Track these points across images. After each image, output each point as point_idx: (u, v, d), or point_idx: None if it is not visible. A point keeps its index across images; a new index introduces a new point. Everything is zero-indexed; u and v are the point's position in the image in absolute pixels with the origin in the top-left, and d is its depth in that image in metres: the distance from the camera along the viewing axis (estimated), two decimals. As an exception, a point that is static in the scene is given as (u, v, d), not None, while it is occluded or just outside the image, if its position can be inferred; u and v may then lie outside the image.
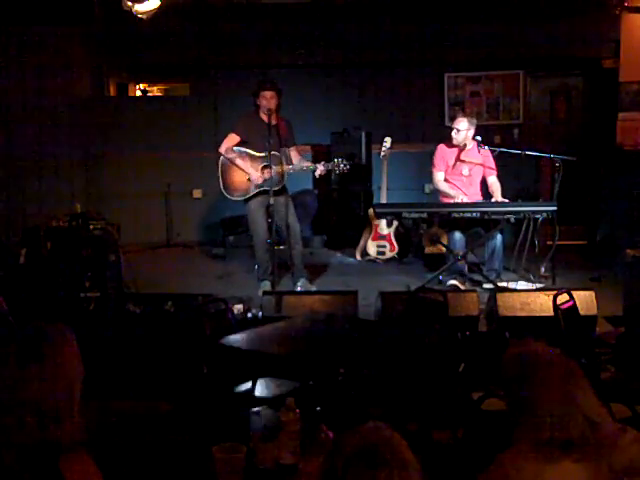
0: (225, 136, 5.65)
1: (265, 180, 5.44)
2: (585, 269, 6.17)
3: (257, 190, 5.47)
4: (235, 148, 5.57)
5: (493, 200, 5.67)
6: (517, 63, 8.02)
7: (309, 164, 5.64)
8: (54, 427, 1.66)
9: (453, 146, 5.83)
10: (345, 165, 5.50)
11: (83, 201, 5.81)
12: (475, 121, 5.88)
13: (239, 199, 5.60)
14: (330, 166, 5.51)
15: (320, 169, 5.48)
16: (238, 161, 5.53)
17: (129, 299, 4.58)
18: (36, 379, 1.69)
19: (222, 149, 5.57)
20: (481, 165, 5.77)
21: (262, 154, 5.43)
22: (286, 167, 5.46)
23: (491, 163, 5.80)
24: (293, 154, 5.59)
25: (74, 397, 1.75)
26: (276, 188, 5.41)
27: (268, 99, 5.40)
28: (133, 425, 2.77)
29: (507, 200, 5.66)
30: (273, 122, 5.41)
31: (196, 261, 7.24)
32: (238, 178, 5.56)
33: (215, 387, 3.29)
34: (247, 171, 5.50)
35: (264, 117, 5.38)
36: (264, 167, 5.45)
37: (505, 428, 1.77)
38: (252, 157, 5.50)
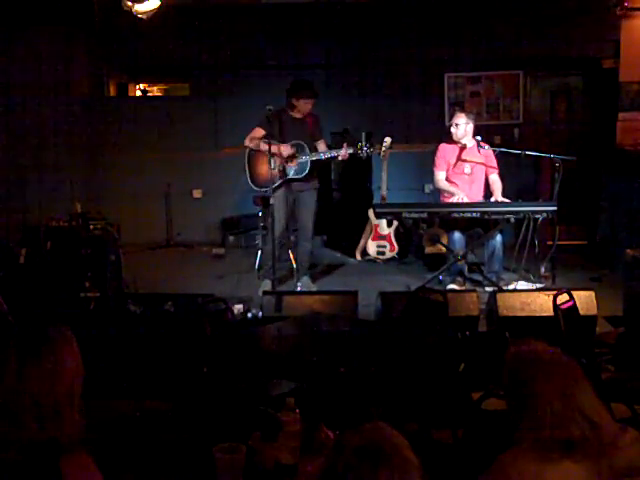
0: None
1: (293, 163, 5.47)
2: (585, 269, 6.18)
3: (281, 180, 5.48)
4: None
5: (493, 199, 5.67)
6: (517, 63, 8.01)
7: (330, 152, 5.58)
8: (54, 427, 1.66)
9: (454, 145, 5.83)
10: (368, 147, 5.51)
11: (83, 201, 5.80)
12: (473, 116, 5.89)
13: (266, 189, 5.51)
14: (353, 150, 5.50)
15: (342, 153, 5.47)
16: (263, 146, 5.46)
17: (129, 299, 4.57)
18: (36, 379, 1.69)
19: (246, 141, 5.62)
20: (482, 164, 5.77)
21: (287, 143, 5.49)
22: (304, 156, 5.49)
23: (493, 161, 5.79)
24: (321, 147, 5.66)
25: (74, 397, 1.75)
26: (300, 176, 5.50)
27: (307, 105, 5.55)
28: (133, 425, 2.77)
29: (507, 199, 5.65)
30: (299, 116, 5.58)
31: (196, 261, 7.24)
32: (265, 169, 5.51)
33: (215, 387, 3.29)
34: (276, 150, 5.44)
35: (295, 114, 5.55)
36: (289, 157, 5.48)
37: (505, 428, 1.77)
38: (275, 145, 5.49)
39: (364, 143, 5.52)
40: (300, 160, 5.49)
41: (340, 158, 5.54)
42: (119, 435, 2.56)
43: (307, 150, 5.51)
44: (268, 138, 5.47)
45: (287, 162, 5.49)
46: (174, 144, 8.01)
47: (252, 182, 5.66)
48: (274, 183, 5.50)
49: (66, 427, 1.68)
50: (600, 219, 6.88)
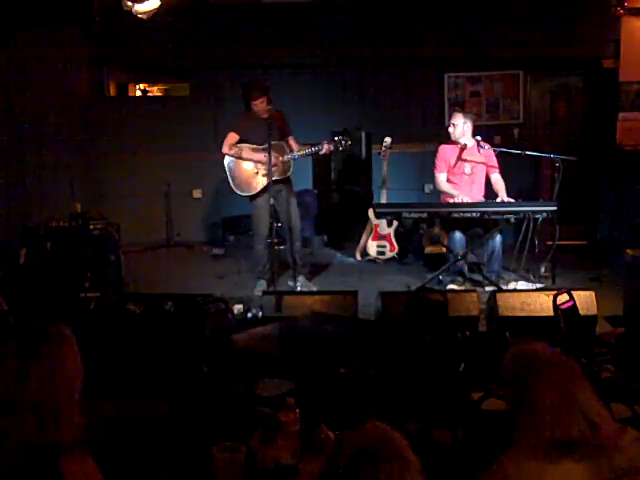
0: (224, 136, 5.65)
1: (273, 166, 5.43)
2: (585, 269, 6.17)
3: (266, 183, 5.43)
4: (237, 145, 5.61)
5: (499, 199, 5.66)
6: (517, 63, 8.01)
7: (313, 147, 5.56)
8: (54, 427, 1.66)
9: (454, 145, 5.83)
10: (347, 141, 5.54)
11: (83, 201, 5.80)
12: (471, 116, 5.89)
13: (251, 194, 5.57)
14: (334, 145, 5.52)
15: (325, 147, 5.49)
16: (244, 154, 5.55)
17: (129, 299, 4.57)
18: (35, 378, 1.69)
19: (225, 149, 5.59)
20: (483, 164, 5.77)
21: (264, 146, 5.43)
22: (291, 154, 5.50)
23: (493, 161, 5.79)
24: (292, 143, 5.62)
25: (74, 396, 1.75)
26: (283, 176, 5.49)
27: (260, 105, 5.43)
28: (133, 425, 2.77)
29: (512, 199, 5.65)
30: (267, 114, 5.48)
31: (196, 261, 7.24)
32: (247, 173, 5.57)
33: (215, 387, 3.29)
34: (254, 159, 5.51)
35: (260, 114, 5.44)
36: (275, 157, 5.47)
37: (505, 428, 1.77)
38: (255, 150, 5.53)
39: (342, 137, 5.53)
40: (284, 159, 5.48)
41: (324, 152, 5.54)
42: (119, 435, 2.57)
43: (287, 149, 5.52)
44: (244, 142, 5.54)
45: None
46: (174, 144, 8.01)
47: (237, 189, 5.60)
48: (258, 187, 5.51)
49: (66, 427, 1.68)
50: (600, 219, 6.87)
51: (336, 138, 5.55)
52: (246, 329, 4.00)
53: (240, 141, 5.58)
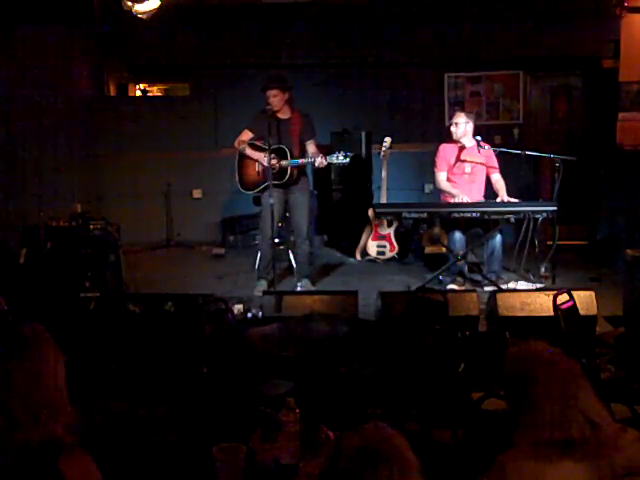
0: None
1: (274, 168, 5.40)
2: (585, 269, 6.17)
3: (267, 183, 5.39)
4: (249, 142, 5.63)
5: (499, 199, 5.66)
6: (517, 63, 8.02)
7: (308, 159, 5.47)
8: (50, 419, 1.66)
9: (454, 144, 5.83)
10: (345, 157, 5.36)
11: (83, 201, 5.80)
12: (473, 116, 5.90)
13: (253, 193, 5.62)
14: (329, 158, 5.38)
15: (318, 161, 5.38)
16: (248, 151, 5.58)
17: (129, 299, 4.57)
18: (21, 377, 1.68)
19: (235, 143, 5.64)
20: (483, 164, 5.77)
21: (265, 145, 5.41)
22: (286, 161, 5.42)
23: (493, 161, 5.79)
24: (310, 148, 5.55)
25: (61, 389, 1.74)
26: (278, 182, 5.43)
27: (271, 98, 5.42)
28: (133, 425, 2.77)
29: (513, 198, 5.65)
30: (285, 116, 5.48)
31: (196, 261, 7.24)
32: (252, 172, 5.60)
33: (215, 387, 3.29)
34: (256, 158, 5.53)
35: (279, 114, 5.47)
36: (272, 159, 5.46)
37: (505, 428, 1.77)
38: (261, 149, 5.53)
39: (340, 152, 5.39)
40: (281, 164, 5.44)
41: (317, 165, 5.43)
42: (119, 435, 2.56)
43: (288, 155, 5.44)
44: (256, 140, 5.54)
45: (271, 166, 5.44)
46: (174, 144, 8.02)
47: (241, 185, 5.66)
48: (259, 186, 5.52)
49: (61, 418, 1.68)
50: (600, 219, 6.87)
51: (335, 153, 5.38)
52: (246, 329, 4.00)
53: (254, 139, 5.59)
